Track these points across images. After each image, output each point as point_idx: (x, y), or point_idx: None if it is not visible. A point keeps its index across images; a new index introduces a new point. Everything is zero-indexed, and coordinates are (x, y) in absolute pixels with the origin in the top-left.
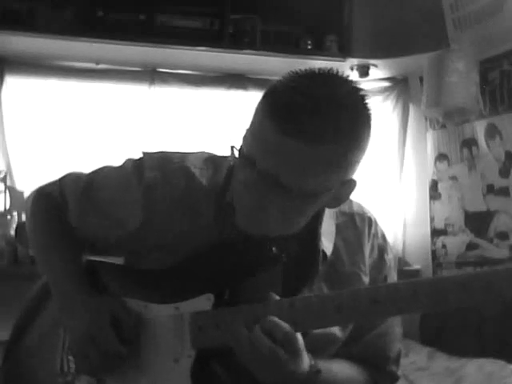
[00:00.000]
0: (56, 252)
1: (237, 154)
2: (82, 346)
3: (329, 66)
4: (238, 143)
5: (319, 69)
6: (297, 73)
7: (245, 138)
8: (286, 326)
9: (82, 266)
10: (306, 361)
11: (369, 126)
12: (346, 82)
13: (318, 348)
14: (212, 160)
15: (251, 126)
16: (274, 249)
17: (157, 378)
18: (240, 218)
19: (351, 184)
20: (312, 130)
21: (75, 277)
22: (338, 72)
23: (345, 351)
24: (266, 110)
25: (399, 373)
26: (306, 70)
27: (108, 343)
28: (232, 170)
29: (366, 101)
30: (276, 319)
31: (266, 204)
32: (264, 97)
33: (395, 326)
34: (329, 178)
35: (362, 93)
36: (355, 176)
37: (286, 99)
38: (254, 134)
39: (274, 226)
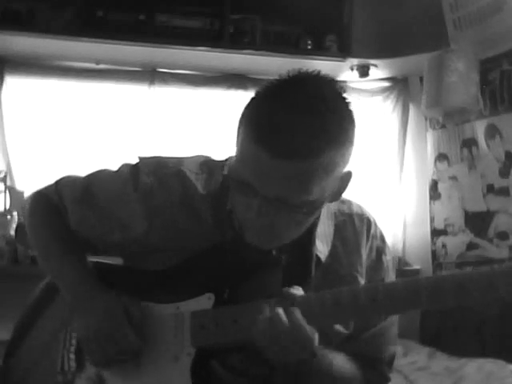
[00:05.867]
0: (62, 254)
1: (230, 176)
2: (99, 341)
3: (329, 67)
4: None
5: (292, 76)
6: (271, 86)
7: (236, 161)
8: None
9: (89, 266)
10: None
11: (353, 119)
12: (321, 83)
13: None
14: (207, 164)
15: (239, 151)
16: (273, 251)
17: (157, 375)
18: (250, 236)
19: (348, 175)
20: (304, 146)
21: (86, 277)
22: (309, 73)
23: (341, 348)
24: (251, 135)
25: (392, 374)
26: (278, 80)
27: (125, 340)
28: (228, 178)
29: (344, 94)
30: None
31: (276, 224)
32: (244, 120)
33: (391, 328)
34: (330, 181)
35: (338, 88)
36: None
37: (268, 120)
38: (245, 161)
39: (285, 239)
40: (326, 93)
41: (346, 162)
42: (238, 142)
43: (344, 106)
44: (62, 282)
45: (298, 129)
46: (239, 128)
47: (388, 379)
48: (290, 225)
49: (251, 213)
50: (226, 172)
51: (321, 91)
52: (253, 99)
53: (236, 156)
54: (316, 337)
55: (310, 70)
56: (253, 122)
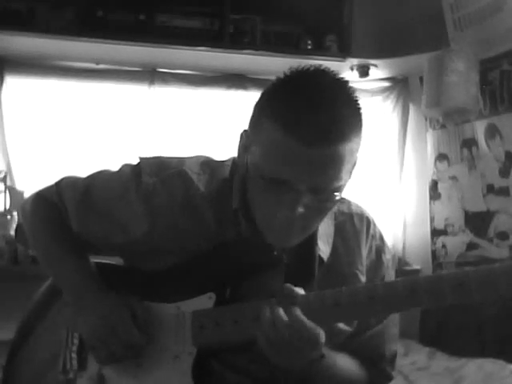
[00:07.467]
0: (63, 255)
1: (254, 176)
2: (103, 338)
3: (328, 66)
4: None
5: (301, 72)
6: (283, 85)
7: (262, 161)
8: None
9: (91, 265)
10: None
11: (361, 106)
12: (330, 75)
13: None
14: (208, 164)
15: (265, 150)
16: (275, 251)
17: (158, 375)
18: (273, 235)
19: (357, 160)
20: (334, 132)
21: (88, 276)
22: (314, 66)
23: (343, 347)
24: (280, 130)
25: (393, 374)
26: (288, 77)
27: (129, 334)
28: (231, 178)
29: (352, 87)
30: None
31: (308, 216)
32: (266, 119)
33: (392, 326)
34: (351, 165)
35: (343, 79)
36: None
37: (297, 112)
38: (274, 158)
39: (310, 232)
40: (339, 83)
41: (359, 148)
42: (260, 142)
43: (355, 94)
44: (64, 283)
45: (327, 117)
46: (258, 128)
47: (390, 377)
48: (319, 215)
49: (283, 209)
50: (227, 173)
51: (335, 82)
52: (270, 99)
53: (258, 155)
54: (323, 334)
55: (312, 65)
56: (280, 117)
